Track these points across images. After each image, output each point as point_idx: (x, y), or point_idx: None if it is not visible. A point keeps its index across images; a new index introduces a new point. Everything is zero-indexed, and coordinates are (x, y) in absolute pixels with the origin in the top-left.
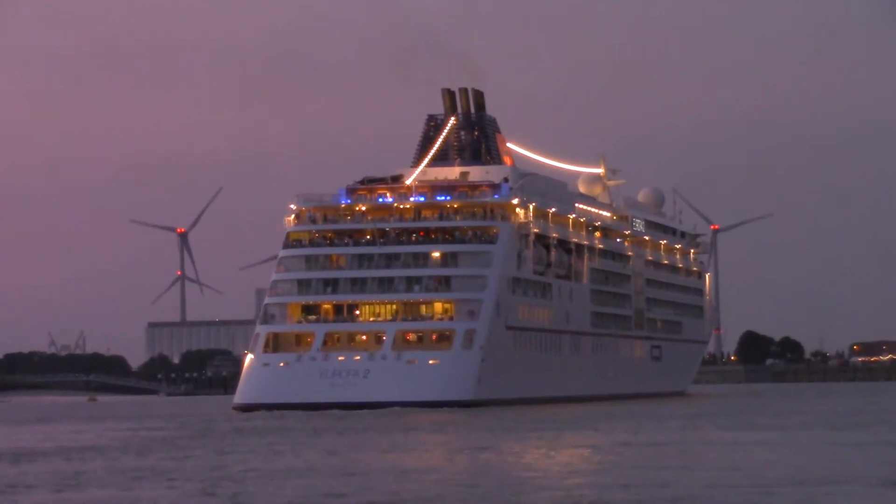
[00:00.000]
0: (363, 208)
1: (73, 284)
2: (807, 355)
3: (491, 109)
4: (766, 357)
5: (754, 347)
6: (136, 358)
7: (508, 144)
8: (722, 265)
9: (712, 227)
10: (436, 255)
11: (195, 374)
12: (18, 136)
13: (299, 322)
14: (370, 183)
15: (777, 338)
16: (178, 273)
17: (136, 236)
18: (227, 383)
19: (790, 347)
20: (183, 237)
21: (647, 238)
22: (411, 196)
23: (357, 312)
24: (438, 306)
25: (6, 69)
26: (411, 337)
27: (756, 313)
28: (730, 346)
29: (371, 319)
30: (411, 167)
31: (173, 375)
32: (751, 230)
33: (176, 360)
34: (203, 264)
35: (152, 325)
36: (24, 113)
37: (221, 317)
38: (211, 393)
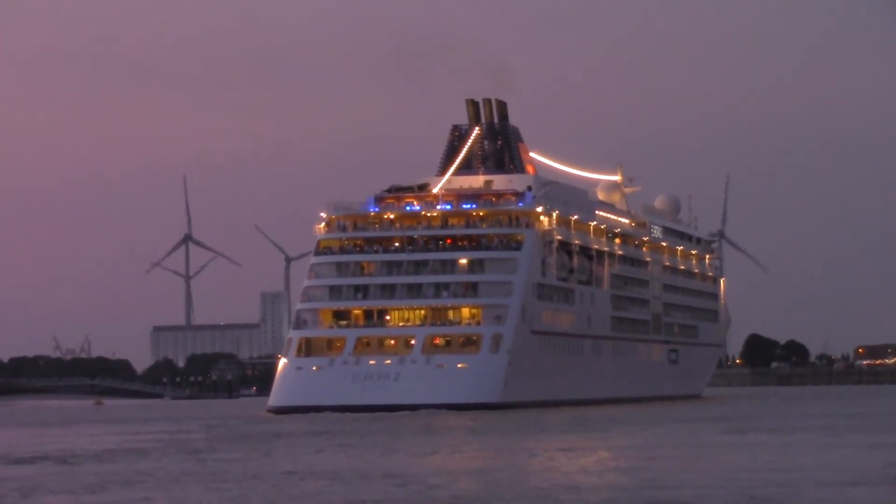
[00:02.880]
0: (391, 216)
1: (79, 288)
2: (812, 358)
3: (513, 119)
4: (772, 360)
5: (759, 350)
6: (141, 362)
7: (531, 153)
8: (727, 268)
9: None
10: (463, 261)
11: (200, 378)
12: (24, 139)
13: (331, 327)
14: (397, 192)
15: (782, 341)
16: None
17: (142, 240)
18: (232, 387)
19: (795, 350)
20: (189, 239)
21: (664, 244)
22: (438, 204)
23: (387, 318)
24: (466, 311)
25: (9, 73)
26: (439, 341)
27: (761, 316)
28: (735, 349)
29: (400, 325)
30: (436, 176)
31: (178, 379)
32: (754, 235)
33: (181, 364)
34: (211, 264)
35: (157, 329)
36: (30, 117)
37: (226, 320)
38: (216, 397)
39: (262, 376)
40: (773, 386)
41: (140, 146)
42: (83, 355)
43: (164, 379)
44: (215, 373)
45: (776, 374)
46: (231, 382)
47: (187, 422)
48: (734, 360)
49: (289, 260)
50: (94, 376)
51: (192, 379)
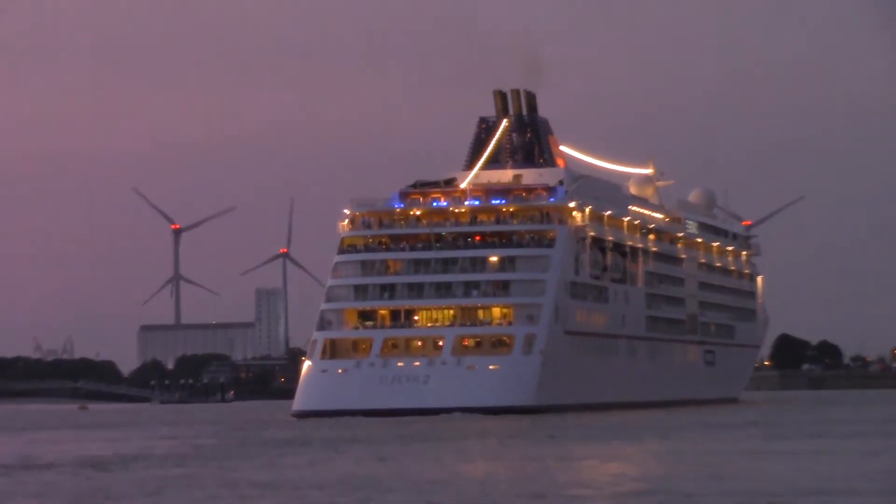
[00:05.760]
0: (418, 213)
1: (61, 285)
2: (846, 360)
3: (542, 110)
4: (802, 362)
5: (789, 352)
6: (128, 363)
7: (561, 146)
8: (756, 264)
9: (744, 223)
10: (493, 259)
11: (190, 381)
12: (4, 132)
13: (356, 328)
14: (423, 187)
15: (814, 342)
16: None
17: (129, 233)
18: (225, 390)
19: (828, 352)
20: (177, 234)
21: (699, 240)
22: (466, 200)
23: (415, 318)
24: (497, 311)
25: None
26: (469, 342)
27: (791, 316)
28: (763, 350)
29: (429, 325)
30: (463, 170)
31: (167, 382)
32: (786, 229)
33: (170, 366)
34: (202, 263)
35: (145, 329)
36: (10, 110)
37: (219, 319)
38: (207, 401)
39: (257, 379)
40: (803, 390)
41: (130, 135)
42: (65, 356)
43: (151, 382)
44: (207, 375)
45: (807, 377)
46: (224, 385)
47: (198, 426)
48: (762, 361)
49: (285, 256)
50: (77, 379)
51: (182, 382)
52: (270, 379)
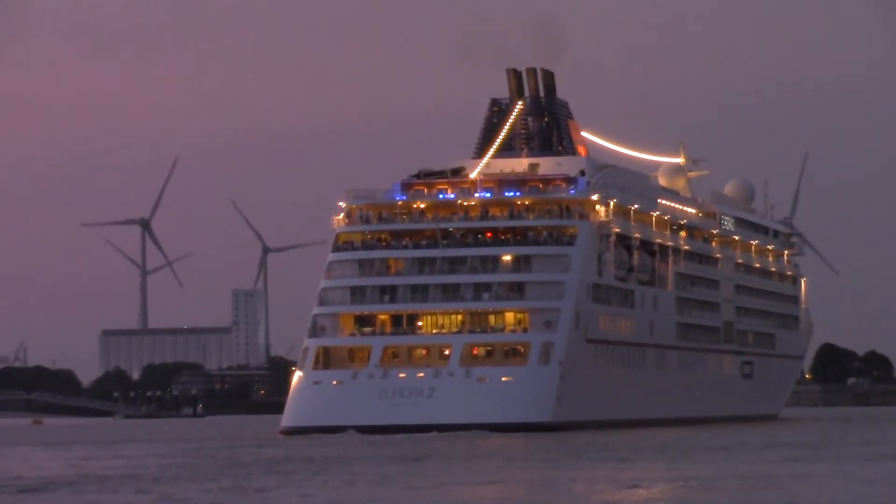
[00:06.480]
0: (422, 206)
1: (13, 285)
2: None
3: (562, 92)
4: (848, 375)
5: (833, 364)
6: (88, 372)
7: (582, 132)
8: (799, 265)
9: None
10: (507, 258)
11: (158, 393)
12: None
13: (353, 335)
14: (427, 177)
15: (861, 352)
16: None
17: (87, 230)
18: (198, 403)
19: (876, 364)
20: (144, 226)
21: (736, 238)
22: (476, 192)
23: (418, 324)
24: (510, 316)
25: None
26: (479, 351)
27: (836, 323)
28: (804, 361)
29: (434, 332)
30: (472, 158)
31: (132, 394)
32: (828, 224)
33: (135, 376)
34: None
35: (107, 334)
36: None
37: (190, 323)
38: (177, 415)
39: (233, 391)
40: (849, 406)
41: (101, 116)
42: (17, 364)
43: (115, 394)
44: (177, 387)
45: (853, 392)
46: (196, 398)
47: (168, 444)
48: (803, 374)
49: (266, 251)
50: (31, 390)
51: (148, 394)
52: (248, 391)
